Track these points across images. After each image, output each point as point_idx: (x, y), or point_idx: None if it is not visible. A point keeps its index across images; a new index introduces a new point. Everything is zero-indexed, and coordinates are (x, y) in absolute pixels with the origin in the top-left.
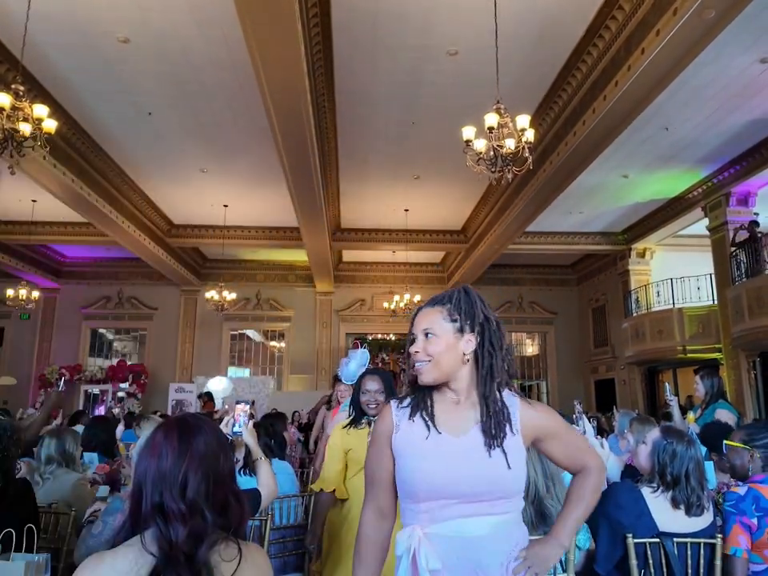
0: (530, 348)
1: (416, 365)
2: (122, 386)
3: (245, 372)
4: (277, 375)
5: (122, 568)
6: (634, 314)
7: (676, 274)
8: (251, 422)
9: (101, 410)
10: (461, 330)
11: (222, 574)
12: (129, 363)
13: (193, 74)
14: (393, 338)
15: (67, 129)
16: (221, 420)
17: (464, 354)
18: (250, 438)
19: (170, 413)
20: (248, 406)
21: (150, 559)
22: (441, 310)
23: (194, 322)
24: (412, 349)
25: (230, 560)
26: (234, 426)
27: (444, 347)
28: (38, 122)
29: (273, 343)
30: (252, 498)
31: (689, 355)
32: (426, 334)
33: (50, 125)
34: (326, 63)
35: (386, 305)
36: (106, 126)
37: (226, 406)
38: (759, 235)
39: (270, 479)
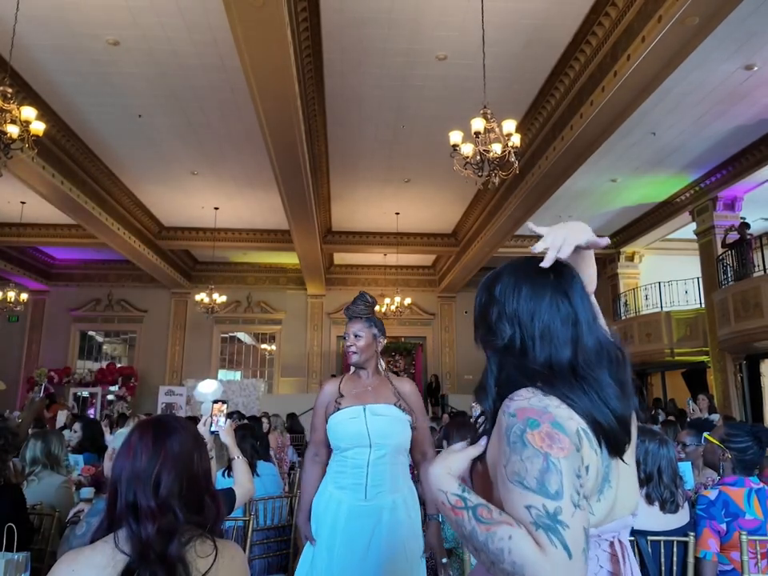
0: None
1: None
2: (112, 388)
3: (235, 375)
4: (268, 378)
5: (99, 562)
6: (623, 317)
7: (664, 278)
8: (229, 422)
9: (90, 413)
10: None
11: (198, 570)
12: (118, 366)
13: (183, 77)
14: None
15: (56, 131)
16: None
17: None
18: (227, 437)
19: None
20: (225, 406)
21: (124, 557)
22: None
23: (184, 324)
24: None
25: (205, 556)
26: (211, 425)
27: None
28: (25, 124)
29: (264, 346)
30: (225, 496)
31: (676, 358)
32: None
33: (38, 127)
34: (316, 68)
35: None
36: (95, 127)
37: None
38: (749, 237)
39: (246, 478)
